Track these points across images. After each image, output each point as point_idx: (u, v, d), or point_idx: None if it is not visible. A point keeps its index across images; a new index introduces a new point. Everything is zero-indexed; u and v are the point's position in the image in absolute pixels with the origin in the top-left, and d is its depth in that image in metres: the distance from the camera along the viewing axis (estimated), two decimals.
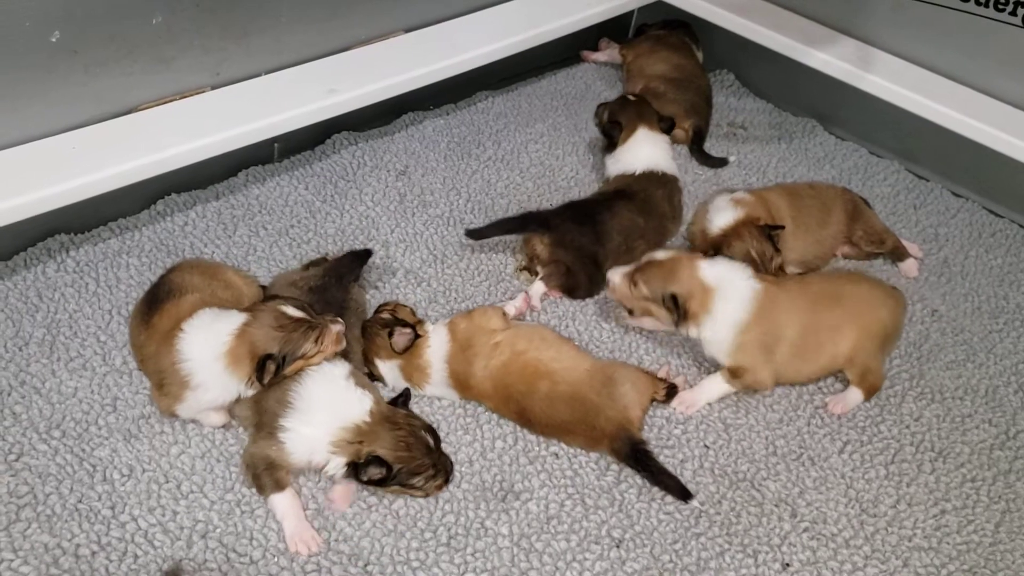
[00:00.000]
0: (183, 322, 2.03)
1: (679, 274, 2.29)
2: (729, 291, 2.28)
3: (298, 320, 2.02)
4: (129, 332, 2.28)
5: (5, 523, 1.89)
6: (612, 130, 2.89)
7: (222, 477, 2.04)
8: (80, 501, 1.96)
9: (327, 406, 2.00)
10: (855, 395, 2.39)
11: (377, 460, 1.93)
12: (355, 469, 1.95)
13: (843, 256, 2.87)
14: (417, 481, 2.00)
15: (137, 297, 2.38)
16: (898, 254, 2.86)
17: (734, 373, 2.32)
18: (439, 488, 2.06)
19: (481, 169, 3.07)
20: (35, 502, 1.94)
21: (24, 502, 1.93)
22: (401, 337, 2.23)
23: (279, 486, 1.99)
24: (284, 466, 1.99)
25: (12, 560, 1.83)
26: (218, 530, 1.95)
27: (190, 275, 2.23)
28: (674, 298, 2.27)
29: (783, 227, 2.63)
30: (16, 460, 2.01)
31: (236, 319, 2.01)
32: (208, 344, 1.99)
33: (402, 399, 2.13)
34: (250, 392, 2.03)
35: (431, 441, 2.02)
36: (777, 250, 2.58)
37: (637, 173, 2.82)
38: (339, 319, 2.10)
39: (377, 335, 2.27)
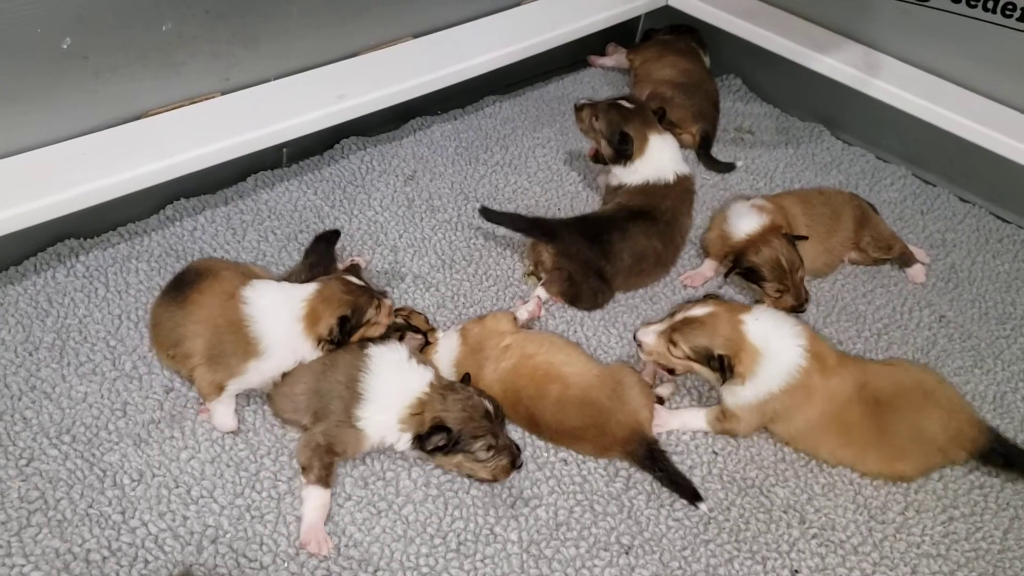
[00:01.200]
0: (238, 292, 2.09)
1: (723, 332, 2.20)
2: (774, 356, 2.19)
3: (362, 287, 2.17)
4: (153, 323, 2.24)
5: (16, 528, 1.90)
6: (625, 145, 2.76)
7: (232, 482, 2.05)
8: (91, 506, 1.96)
9: (395, 390, 2.08)
10: None
11: (438, 427, 2.00)
12: (420, 441, 2.02)
13: (850, 262, 2.87)
14: (479, 450, 2.03)
15: (148, 302, 2.39)
16: (905, 260, 2.86)
17: (724, 416, 2.27)
18: (505, 471, 2.08)
19: (489, 174, 3.08)
20: (46, 507, 1.94)
21: (35, 507, 1.94)
22: (411, 342, 2.25)
23: (324, 482, 2.03)
24: (353, 453, 2.09)
25: (24, 565, 1.83)
26: (228, 535, 1.95)
27: (215, 263, 2.29)
28: (721, 359, 2.17)
29: (806, 237, 2.63)
30: (27, 465, 2.02)
31: (307, 287, 2.15)
32: (285, 308, 2.10)
33: (463, 379, 2.20)
34: (315, 355, 2.12)
35: (491, 408, 2.07)
36: (801, 260, 2.57)
37: (672, 181, 2.76)
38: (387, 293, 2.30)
39: (388, 338, 2.28)
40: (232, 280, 2.15)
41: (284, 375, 2.14)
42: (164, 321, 2.17)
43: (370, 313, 2.15)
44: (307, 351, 2.11)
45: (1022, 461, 2.25)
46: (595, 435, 2.15)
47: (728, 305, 2.28)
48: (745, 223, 2.66)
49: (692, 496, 2.12)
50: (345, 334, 2.11)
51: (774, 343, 2.19)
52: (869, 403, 2.21)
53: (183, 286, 2.17)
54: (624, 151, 2.76)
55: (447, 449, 2.03)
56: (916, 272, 2.84)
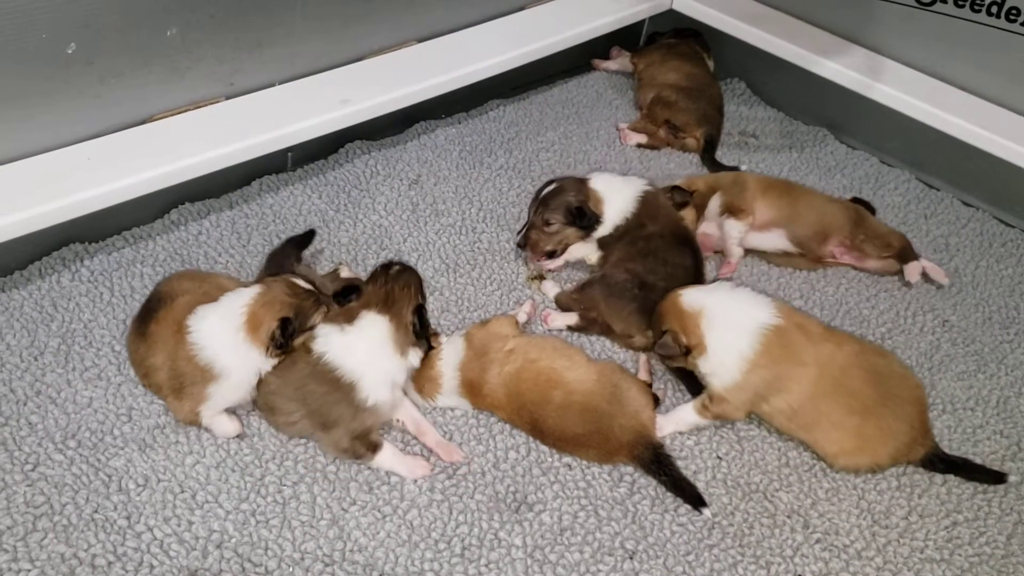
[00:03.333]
0: (185, 320, 2.08)
1: (661, 309, 2.30)
2: (724, 317, 2.22)
3: (307, 291, 2.12)
4: (128, 353, 2.26)
5: (22, 533, 1.90)
6: (584, 216, 2.57)
7: (237, 487, 2.05)
8: (96, 511, 1.97)
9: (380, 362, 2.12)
10: None
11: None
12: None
13: (857, 268, 2.87)
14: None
15: None
16: (904, 256, 2.82)
17: (712, 399, 2.26)
18: None
19: (493, 178, 3.08)
20: (51, 512, 1.95)
21: (40, 512, 1.94)
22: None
23: (376, 447, 2.11)
24: (386, 419, 2.17)
25: (29, 570, 1.84)
26: (233, 540, 1.96)
27: (178, 282, 2.27)
28: (663, 334, 2.25)
29: (688, 202, 2.74)
30: (32, 470, 2.02)
31: (247, 292, 2.10)
32: (223, 323, 2.07)
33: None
34: (270, 364, 2.09)
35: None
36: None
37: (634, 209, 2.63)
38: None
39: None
40: (187, 307, 2.12)
41: (268, 392, 2.14)
42: (133, 353, 2.23)
43: (315, 319, 2.11)
44: (260, 360, 2.08)
45: (962, 466, 2.27)
46: (599, 441, 2.15)
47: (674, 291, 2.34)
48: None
49: (696, 501, 2.12)
50: (288, 338, 2.06)
51: (718, 305, 2.24)
52: (870, 371, 2.22)
53: (146, 317, 2.17)
54: (590, 220, 2.57)
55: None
56: (911, 270, 2.79)
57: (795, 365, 2.18)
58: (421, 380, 2.27)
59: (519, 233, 2.64)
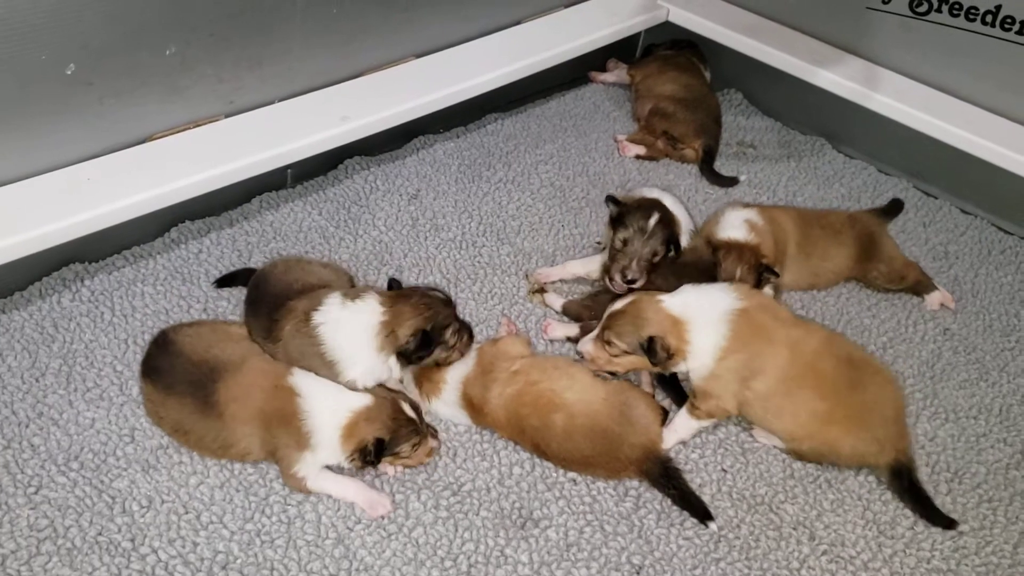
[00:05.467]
0: (283, 381, 2.08)
1: (645, 315, 2.22)
2: (702, 314, 2.21)
3: (409, 420, 2.11)
4: (188, 430, 2.12)
5: (26, 557, 1.89)
6: None
7: (241, 507, 2.05)
8: (100, 534, 1.96)
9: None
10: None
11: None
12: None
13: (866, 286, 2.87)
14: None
15: (154, 325, 2.40)
16: (921, 288, 2.81)
17: (697, 397, 2.25)
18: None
19: (492, 191, 3.09)
20: (55, 535, 1.94)
21: (44, 535, 1.94)
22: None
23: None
24: None
25: None
26: (239, 560, 1.95)
27: (217, 346, 2.17)
28: (651, 340, 2.18)
29: (778, 275, 2.60)
30: (35, 493, 2.01)
31: (358, 399, 2.09)
32: (332, 411, 2.07)
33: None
34: (346, 464, 2.09)
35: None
36: (759, 285, 2.55)
37: None
38: (437, 436, 2.21)
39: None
40: (258, 372, 2.11)
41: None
42: (194, 423, 2.11)
43: (404, 447, 2.10)
44: (339, 458, 2.08)
45: (920, 496, 2.22)
46: (607, 461, 2.14)
47: (649, 292, 2.32)
48: (731, 231, 2.65)
49: (703, 515, 2.12)
50: (377, 457, 2.06)
51: (696, 304, 2.22)
52: (841, 359, 2.22)
53: (204, 387, 2.09)
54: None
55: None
56: (932, 300, 2.80)
57: (766, 344, 2.19)
58: (423, 379, 2.28)
59: (625, 269, 2.54)
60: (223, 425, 2.06)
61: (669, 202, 2.70)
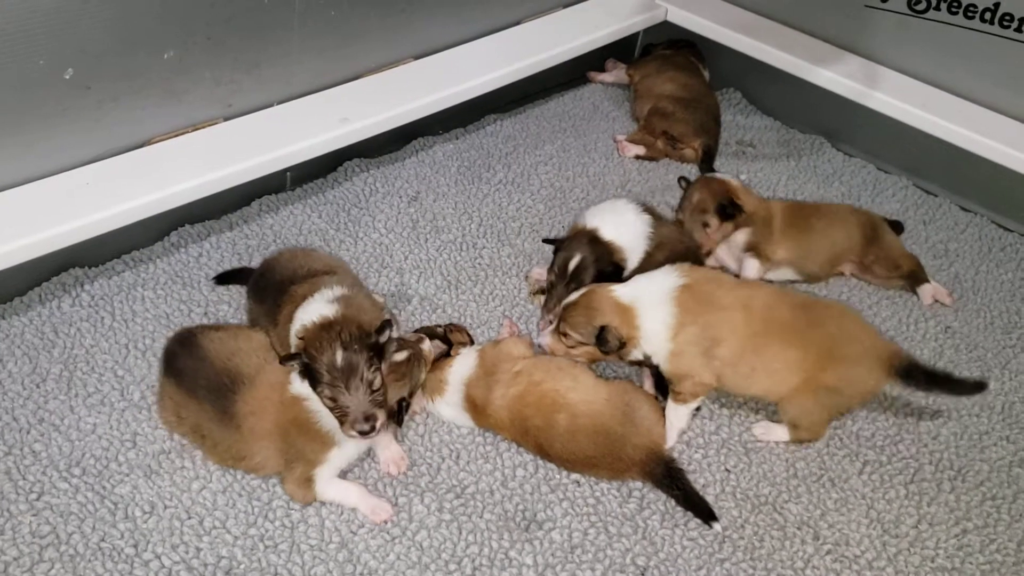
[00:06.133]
0: (288, 392, 2.04)
1: (595, 305, 2.24)
2: (648, 299, 2.23)
3: (406, 361, 2.15)
4: (205, 434, 2.09)
5: (28, 564, 1.88)
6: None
7: (244, 512, 2.04)
8: (103, 540, 1.95)
9: None
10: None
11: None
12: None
13: (862, 279, 2.88)
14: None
15: (154, 330, 2.39)
16: (914, 278, 2.82)
17: (674, 381, 2.25)
18: None
19: (492, 193, 3.08)
20: (57, 542, 1.93)
21: (47, 542, 1.93)
22: (433, 349, 2.28)
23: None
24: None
25: None
26: (242, 566, 1.94)
27: (239, 355, 2.13)
28: (602, 330, 2.20)
29: (743, 211, 2.71)
30: (37, 499, 2.00)
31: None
32: None
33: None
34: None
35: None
36: (725, 221, 2.69)
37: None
38: (424, 337, 2.27)
39: (419, 339, 2.29)
40: (270, 384, 2.07)
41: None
42: (217, 431, 2.08)
43: (421, 376, 2.19)
44: None
45: (943, 379, 2.24)
46: (610, 462, 2.14)
47: (602, 284, 2.33)
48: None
49: (707, 516, 2.12)
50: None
51: (642, 289, 2.26)
52: (796, 306, 2.26)
53: (222, 397, 2.05)
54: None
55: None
56: (925, 292, 2.80)
57: (717, 311, 2.21)
58: (428, 379, 2.27)
59: (549, 312, 2.49)
60: (240, 437, 2.04)
61: (609, 228, 2.51)
